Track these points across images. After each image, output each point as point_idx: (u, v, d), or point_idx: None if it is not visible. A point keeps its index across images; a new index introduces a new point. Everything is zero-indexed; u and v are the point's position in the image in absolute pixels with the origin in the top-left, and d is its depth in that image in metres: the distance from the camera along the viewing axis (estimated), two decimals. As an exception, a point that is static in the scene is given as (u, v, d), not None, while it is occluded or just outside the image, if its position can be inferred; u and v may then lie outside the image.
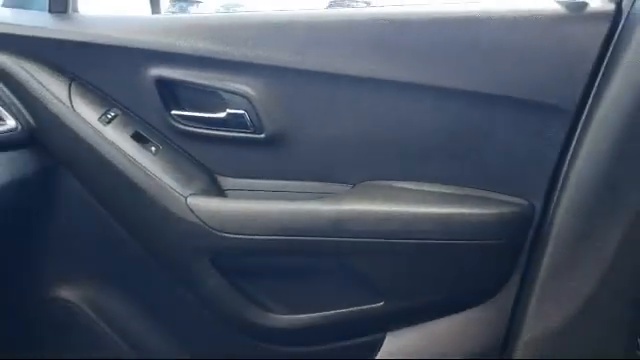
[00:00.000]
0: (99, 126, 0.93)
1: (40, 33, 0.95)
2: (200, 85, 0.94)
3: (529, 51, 0.86)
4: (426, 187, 0.95)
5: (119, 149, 0.94)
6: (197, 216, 0.93)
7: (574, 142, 0.86)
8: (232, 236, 0.93)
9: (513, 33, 0.87)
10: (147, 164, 0.94)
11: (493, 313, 0.98)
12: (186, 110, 0.97)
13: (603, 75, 0.83)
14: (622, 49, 0.81)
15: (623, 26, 0.83)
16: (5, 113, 0.92)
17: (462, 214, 0.92)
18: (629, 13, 0.82)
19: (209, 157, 1.00)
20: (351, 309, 0.98)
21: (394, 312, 0.98)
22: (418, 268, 0.95)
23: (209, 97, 0.95)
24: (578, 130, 0.85)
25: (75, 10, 1.01)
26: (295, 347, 1.03)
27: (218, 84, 0.94)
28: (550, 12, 0.87)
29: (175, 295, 1.01)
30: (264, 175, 0.99)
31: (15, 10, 1.03)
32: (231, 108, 0.95)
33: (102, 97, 0.96)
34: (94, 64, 0.96)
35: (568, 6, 0.86)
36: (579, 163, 0.84)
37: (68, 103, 0.93)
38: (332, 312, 0.98)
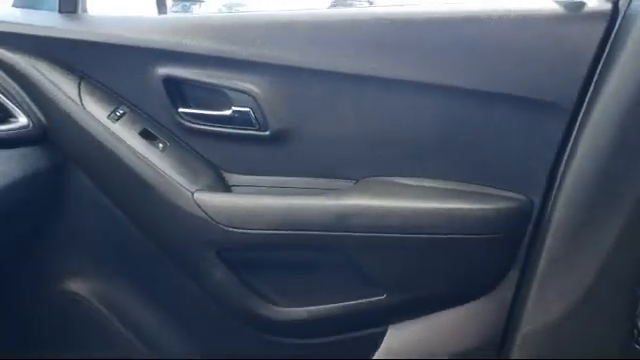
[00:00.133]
0: (108, 123, 0.95)
1: (51, 33, 0.96)
2: (206, 83, 0.95)
3: (528, 50, 0.88)
4: (427, 183, 0.96)
5: (128, 146, 0.95)
6: (204, 211, 0.94)
7: (572, 139, 0.87)
8: (238, 230, 0.94)
9: (512, 32, 0.88)
10: (155, 160, 0.96)
11: (493, 306, 0.99)
12: (193, 108, 0.98)
13: (600, 73, 0.84)
14: (619, 48, 0.82)
15: (620, 25, 0.84)
16: (17, 110, 0.94)
17: (462, 209, 0.93)
18: (625, 13, 0.83)
19: (215, 154, 1.01)
20: (354, 302, 0.99)
21: (396, 305, 0.99)
22: (419, 262, 0.96)
23: (215, 95, 0.96)
24: (576, 127, 0.86)
25: (84, 10, 1.02)
26: (299, 339, 1.05)
27: (224, 82, 0.95)
28: (548, 11, 0.88)
29: (182, 288, 1.02)
30: (269, 171, 1.00)
31: (26, 10, 1.04)
32: (236, 106, 0.96)
33: (111, 95, 0.98)
34: (103, 63, 0.97)
35: (566, 6, 0.88)
36: (577, 159, 0.85)
37: (78, 101, 0.95)
38: (335, 305, 0.99)
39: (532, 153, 0.92)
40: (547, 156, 0.91)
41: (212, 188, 0.98)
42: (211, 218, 0.94)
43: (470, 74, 0.90)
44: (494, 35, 0.89)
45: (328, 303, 1.00)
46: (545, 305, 0.89)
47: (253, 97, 0.95)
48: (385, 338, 1.02)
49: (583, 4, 0.87)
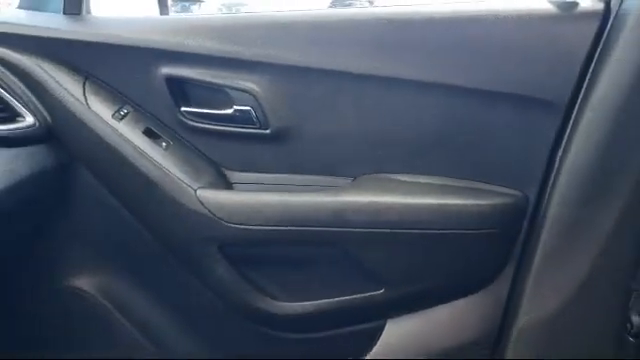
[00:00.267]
0: (112, 122, 0.96)
1: (56, 34, 0.97)
2: (208, 83, 0.97)
3: (522, 49, 0.89)
4: (424, 179, 0.97)
5: (131, 144, 0.96)
6: (206, 207, 0.95)
7: (566, 136, 0.88)
8: (239, 226, 0.95)
9: (507, 32, 0.89)
10: (158, 158, 0.97)
11: (490, 300, 1.00)
12: (195, 107, 0.99)
13: (593, 71, 0.86)
14: (611, 46, 0.84)
15: (611, 25, 0.85)
16: (24, 110, 0.95)
17: (459, 205, 0.94)
18: (617, 12, 0.85)
19: (217, 152, 1.02)
20: (353, 296, 1.00)
21: (394, 299, 1.00)
22: (417, 257, 0.97)
23: (217, 94, 0.97)
24: (570, 124, 0.88)
25: (88, 12, 1.03)
26: (298, 333, 1.06)
27: (225, 82, 0.96)
28: (542, 11, 0.89)
29: (185, 283, 1.04)
30: (269, 169, 1.02)
31: (31, 12, 1.05)
32: (238, 105, 0.97)
33: (115, 95, 0.99)
34: (107, 63, 0.98)
35: (559, 5, 0.89)
36: (571, 156, 0.86)
37: (83, 100, 0.96)
38: (334, 299, 1.01)
39: (527, 150, 0.93)
40: (542, 153, 0.92)
41: (214, 185, 0.99)
42: (213, 214, 0.95)
43: (466, 73, 0.91)
44: (490, 35, 0.90)
45: (327, 298, 1.01)
46: (540, 299, 0.90)
47: (254, 96, 0.96)
48: (384, 332, 1.03)
49: (576, 4, 0.89)
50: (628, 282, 0.86)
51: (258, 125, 0.98)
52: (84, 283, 1.08)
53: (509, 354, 0.93)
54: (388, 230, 0.94)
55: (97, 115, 0.96)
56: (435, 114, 0.95)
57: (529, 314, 0.91)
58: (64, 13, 1.01)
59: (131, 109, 0.99)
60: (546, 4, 0.90)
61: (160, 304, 1.08)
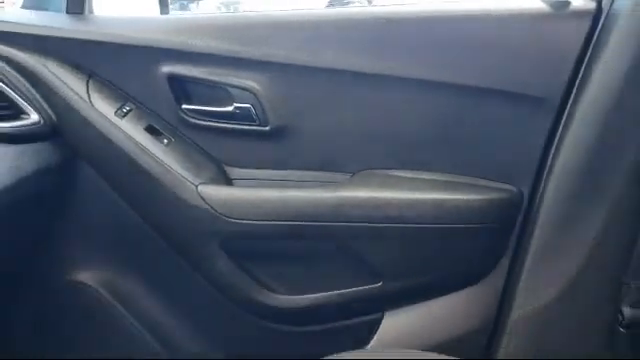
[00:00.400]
0: (115, 120, 0.97)
1: (59, 33, 0.98)
2: (209, 81, 0.98)
3: (516, 47, 0.91)
4: (421, 175, 0.99)
5: (134, 141, 0.97)
6: (207, 203, 0.96)
7: (559, 132, 0.90)
8: (239, 221, 0.96)
9: (501, 30, 0.91)
10: (160, 155, 0.98)
11: (486, 293, 1.01)
12: (196, 104, 1.00)
13: (585, 69, 0.87)
14: (602, 45, 0.85)
15: (603, 24, 0.87)
16: (29, 108, 0.96)
17: (455, 200, 0.95)
18: (609, 12, 0.86)
19: (217, 148, 1.03)
20: (351, 290, 1.01)
21: (392, 292, 1.01)
22: (414, 251, 0.98)
23: (217, 92, 0.98)
24: (563, 121, 0.89)
25: (91, 11, 1.04)
26: (297, 326, 1.06)
27: (226, 80, 0.97)
28: (535, 10, 0.91)
29: (186, 277, 1.04)
30: (269, 165, 1.03)
31: (34, 11, 1.06)
32: (238, 102, 0.98)
33: (118, 93, 0.99)
34: (110, 62, 0.99)
35: (552, 4, 0.90)
36: (564, 151, 0.88)
37: (86, 98, 0.97)
38: (333, 292, 1.01)
39: (521, 146, 0.95)
40: (535, 149, 0.94)
41: (215, 181, 1.00)
42: (214, 210, 0.96)
43: (462, 70, 0.92)
44: (484, 33, 0.92)
45: (326, 291, 1.02)
46: (535, 291, 0.92)
47: (254, 94, 0.97)
48: (382, 324, 1.04)
49: (568, 3, 0.90)
50: (619, 275, 0.87)
51: (258, 122, 0.99)
52: (88, 277, 1.09)
53: (504, 345, 0.94)
54: (386, 225, 0.95)
55: (100, 113, 0.97)
56: (431, 111, 0.96)
57: (524, 306, 0.92)
58: (67, 12, 1.02)
59: (133, 107, 1.00)
60: (539, 3, 0.92)
61: (162, 298, 1.09)
